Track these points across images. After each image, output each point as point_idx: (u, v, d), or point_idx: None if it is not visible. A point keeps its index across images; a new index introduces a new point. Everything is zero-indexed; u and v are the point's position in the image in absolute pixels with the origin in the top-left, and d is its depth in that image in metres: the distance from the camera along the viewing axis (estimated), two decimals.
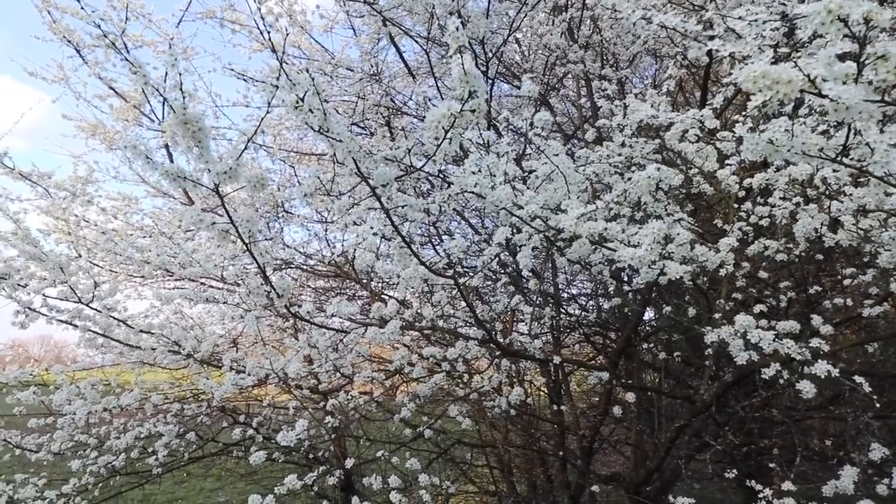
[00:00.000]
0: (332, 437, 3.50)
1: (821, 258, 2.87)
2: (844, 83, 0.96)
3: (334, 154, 1.47)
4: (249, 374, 2.30)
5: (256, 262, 1.56)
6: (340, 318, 2.18)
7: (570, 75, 4.76)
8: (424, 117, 1.54)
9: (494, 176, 1.76)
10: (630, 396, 2.75)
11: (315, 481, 2.37)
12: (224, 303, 2.82)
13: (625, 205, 2.36)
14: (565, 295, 5.54)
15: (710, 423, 3.38)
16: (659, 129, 2.31)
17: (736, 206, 2.57)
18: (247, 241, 1.49)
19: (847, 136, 1.07)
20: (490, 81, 3.89)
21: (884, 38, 1.03)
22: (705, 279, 2.69)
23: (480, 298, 4.29)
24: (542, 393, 5.00)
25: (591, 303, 5.48)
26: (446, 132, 1.24)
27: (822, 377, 1.82)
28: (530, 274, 3.39)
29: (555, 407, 3.88)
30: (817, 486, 2.16)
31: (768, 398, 3.08)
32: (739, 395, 3.39)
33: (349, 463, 2.41)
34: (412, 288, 2.93)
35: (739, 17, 1.16)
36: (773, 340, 1.54)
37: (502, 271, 3.90)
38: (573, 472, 4.02)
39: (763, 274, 2.69)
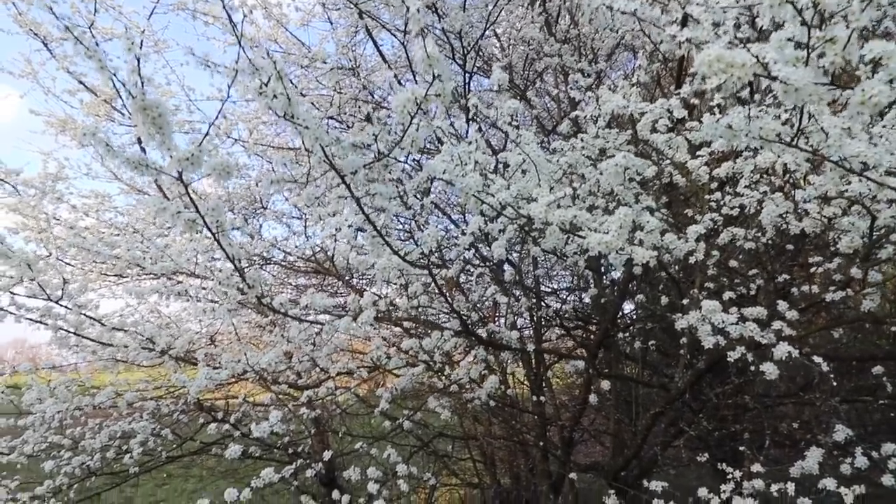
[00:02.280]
0: (311, 432, 3.47)
1: (791, 248, 2.95)
2: (795, 66, 0.99)
3: (303, 142, 1.45)
4: (225, 369, 2.27)
5: (225, 252, 1.55)
6: (315, 310, 2.17)
7: (549, 69, 4.79)
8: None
9: (466, 165, 1.77)
10: (605, 384, 2.79)
11: (293, 475, 2.35)
12: (198, 299, 2.78)
13: (599, 195, 2.39)
14: (546, 289, 5.59)
15: (686, 411, 3.45)
16: (634, 120, 2.34)
17: (708, 196, 2.61)
18: (214, 230, 1.47)
19: (800, 120, 1.10)
20: (468, 75, 3.89)
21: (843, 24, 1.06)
22: (678, 268, 2.74)
23: (462, 290, 4.30)
24: (524, 385, 5.05)
25: (571, 297, 5.53)
26: (412, 117, 1.24)
27: (790, 363, 1.88)
28: (510, 266, 3.40)
29: (535, 398, 3.91)
30: (785, 467, 2.23)
31: (741, 385, 3.15)
32: (713, 383, 3.46)
33: (327, 455, 2.40)
34: (392, 282, 2.93)
35: (697, 3, 1.19)
36: (737, 323, 1.57)
37: (483, 263, 3.91)
38: (555, 463, 4.07)
39: (733, 263, 2.75)
